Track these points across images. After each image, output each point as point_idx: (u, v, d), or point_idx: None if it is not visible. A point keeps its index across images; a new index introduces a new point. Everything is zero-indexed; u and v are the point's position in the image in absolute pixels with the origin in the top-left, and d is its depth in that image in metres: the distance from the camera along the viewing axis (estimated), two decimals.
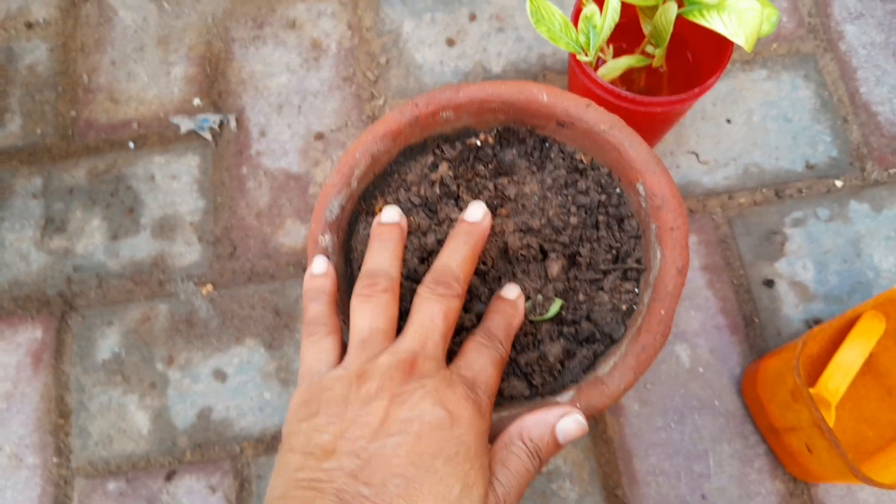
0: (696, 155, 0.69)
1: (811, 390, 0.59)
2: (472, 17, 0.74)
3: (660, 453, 0.60)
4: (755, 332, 0.64)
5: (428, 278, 0.40)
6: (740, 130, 0.70)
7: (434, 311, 0.38)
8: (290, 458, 0.33)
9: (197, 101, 0.71)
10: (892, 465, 0.55)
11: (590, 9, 0.52)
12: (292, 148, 0.69)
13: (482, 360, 0.39)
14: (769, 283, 0.65)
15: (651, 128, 0.59)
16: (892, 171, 0.69)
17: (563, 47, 0.52)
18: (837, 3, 0.76)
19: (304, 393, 0.36)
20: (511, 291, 0.44)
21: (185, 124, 0.70)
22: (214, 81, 0.72)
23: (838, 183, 0.68)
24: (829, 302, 0.65)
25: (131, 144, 0.70)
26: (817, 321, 0.64)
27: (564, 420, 0.38)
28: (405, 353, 0.36)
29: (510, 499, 0.34)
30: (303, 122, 0.70)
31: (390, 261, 0.41)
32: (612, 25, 0.50)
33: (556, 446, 0.37)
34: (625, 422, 0.61)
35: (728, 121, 0.70)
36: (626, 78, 0.61)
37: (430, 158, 0.51)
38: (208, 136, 0.70)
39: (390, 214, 0.44)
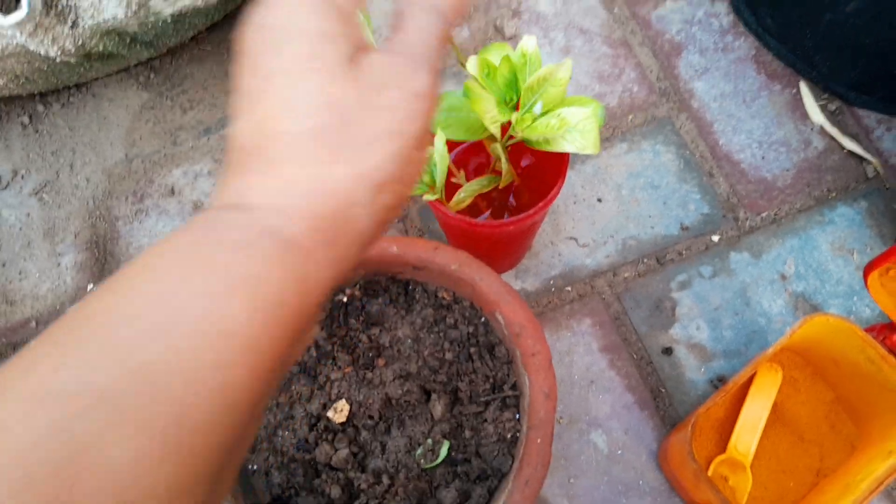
0: (575, 239, 0.71)
1: (723, 457, 0.60)
2: None
3: None
4: (664, 402, 0.65)
5: None
6: (612, 207, 0.72)
7: None
8: None
9: (91, 287, 0.72)
10: None
11: (429, 150, 0.55)
12: None
13: None
14: (668, 351, 0.67)
15: (515, 239, 0.62)
16: (763, 214, 0.72)
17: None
18: (682, 63, 0.80)
19: None
20: None
21: None
22: (105, 263, 0.73)
23: (715, 238, 0.71)
24: (729, 357, 0.67)
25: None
26: (721, 379, 0.66)
27: None
28: None
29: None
30: None
31: None
32: (445, 167, 0.53)
33: None
34: None
35: (599, 200, 0.73)
36: (487, 194, 0.63)
37: None
38: None
39: None
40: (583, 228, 0.72)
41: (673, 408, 0.65)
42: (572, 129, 0.51)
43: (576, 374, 0.67)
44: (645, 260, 0.70)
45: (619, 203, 0.73)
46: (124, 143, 0.78)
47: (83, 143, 0.79)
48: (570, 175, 0.74)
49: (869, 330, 0.57)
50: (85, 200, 0.76)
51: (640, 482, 0.63)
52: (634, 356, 0.67)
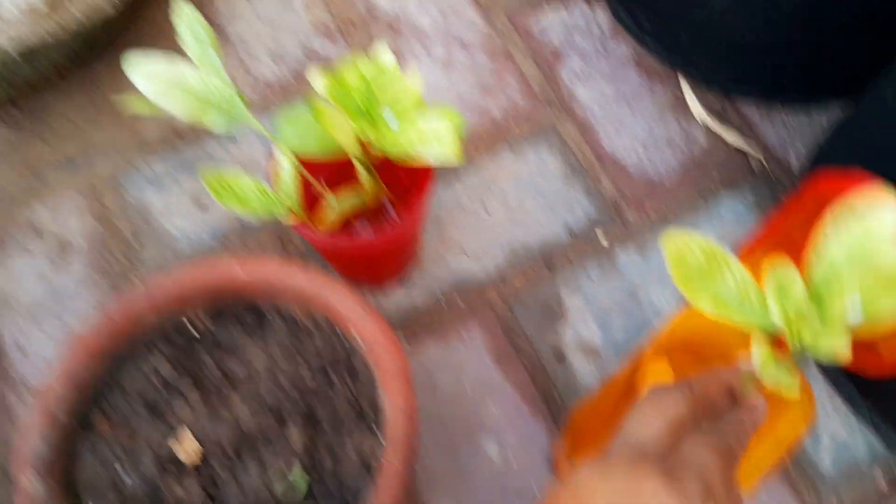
0: (464, 250, 0.69)
1: None
2: None
3: None
4: (557, 407, 0.63)
5: None
6: (500, 216, 0.71)
7: None
8: None
9: None
10: None
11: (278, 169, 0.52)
12: None
13: None
14: (560, 357, 0.65)
15: (390, 253, 0.59)
16: (651, 213, 0.72)
17: (262, 214, 0.51)
18: (564, 69, 0.79)
19: None
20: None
21: None
22: None
23: (603, 240, 0.70)
24: (622, 357, 0.65)
25: None
26: None
27: None
28: None
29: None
30: (65, 330, 0.67)
31: None
32: (293, 189, 0.50)
33: None
34: None
35: (486, 209, 0.71)
36: (364, 210, 0.60)
37: (150, 359, 0.49)
38: None
39: None
40: (470, 239, 0.70)
41: (567, 413, 0.63)
42: (430, 139, 0.49)
43: (469, 386, 0.64)
44: (534, 266, 0.69)
45: (506, 211, 0.71)
46: None
47: None
48: (456, 186, 0.72)
49: None
50: None
51: (535, 490, 0.60)
52: (527, 364, 0.65)
